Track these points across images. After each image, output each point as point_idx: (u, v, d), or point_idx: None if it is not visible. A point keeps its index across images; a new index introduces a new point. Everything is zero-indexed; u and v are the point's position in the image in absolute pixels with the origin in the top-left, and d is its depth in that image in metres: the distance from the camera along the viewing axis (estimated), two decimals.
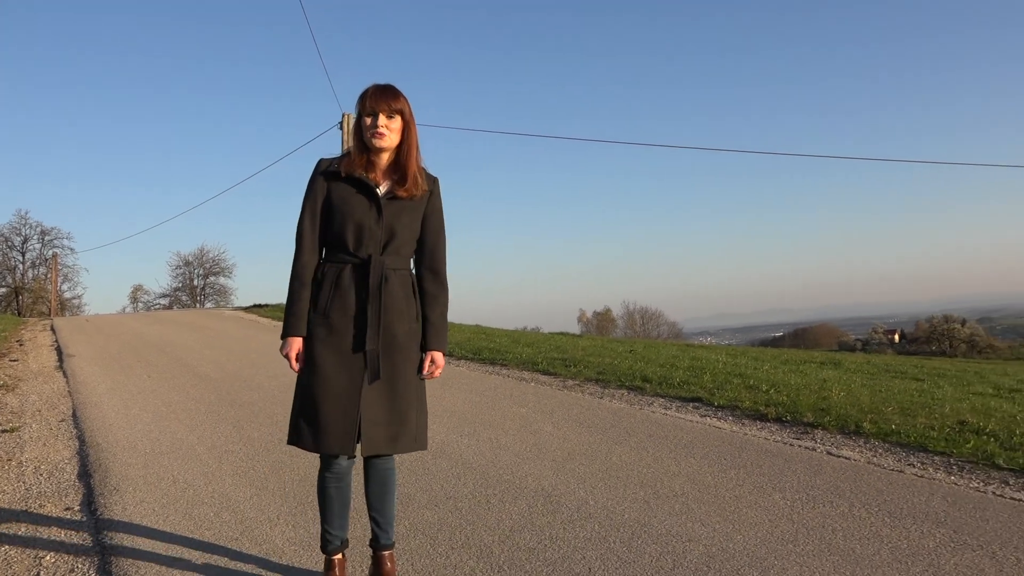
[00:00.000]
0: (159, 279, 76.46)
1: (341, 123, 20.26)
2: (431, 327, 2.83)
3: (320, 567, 3.07)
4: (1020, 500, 3.81)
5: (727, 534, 3.40)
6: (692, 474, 4.34)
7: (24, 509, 4.14)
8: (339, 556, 2.89)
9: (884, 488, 4.01)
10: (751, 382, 7.35)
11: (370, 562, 2.94)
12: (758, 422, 5.69)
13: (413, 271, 2.86)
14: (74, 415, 6.61)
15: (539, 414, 6.09)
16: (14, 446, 5.60)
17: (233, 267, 55.62)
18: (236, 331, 14.88)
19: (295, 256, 2.79)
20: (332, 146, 21.42)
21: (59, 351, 11.76)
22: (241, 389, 7.65)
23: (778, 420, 5.68)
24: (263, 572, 3.15)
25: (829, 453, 4.75)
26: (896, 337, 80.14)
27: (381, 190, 2.75)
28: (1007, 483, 4.12)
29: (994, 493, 3.93)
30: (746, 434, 5.29)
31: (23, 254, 49.31)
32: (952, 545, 3.23)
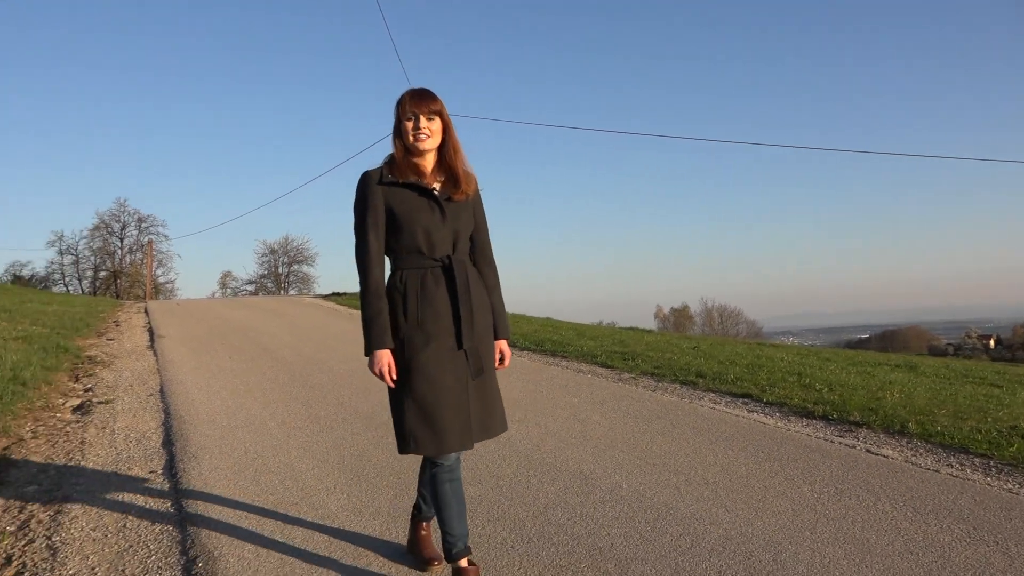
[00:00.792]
0: (246, 266, 79.51)
1: None
2: (497, 316, 2.95)
3: (377, 532, 3.39)
4: None
5: (748, 520, 3.58)
6: (727, 464, 4.52)
7: (115, 471, 4.63)
8: (465, 562, 2.88)
9: (915, 485, 4.11)
10: (807, 380, 7.40)
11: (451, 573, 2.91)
12: (804, 419, 5.78)
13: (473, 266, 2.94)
14: (161, 390, 7.18)
15: (590, 404, 6.33)
16: (108, 416, 6.16)
17: (316, 256, 57.45)
18: (314, 318, 15.53)
19: (365, 272, 2.78)
20: None
21: (151, 332, 12.56)
22: (313, 372, 8.13)
23: (824, 418, 5.76)
24: (316, 534, 3.50)
25: (868, 451, 4.84)
26: (992, 342, 76.59)
27: (437, 192, 2.81)
28: None
29: None
30: (789, 430, 5.41)
31: (121, 240, 52.08)
32: (968, 540, 3.34)
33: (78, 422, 5.99)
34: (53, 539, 3.56)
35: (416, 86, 2.83)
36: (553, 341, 10.77)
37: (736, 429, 5.42)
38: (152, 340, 11.45)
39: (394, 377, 2.74)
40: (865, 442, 5.08)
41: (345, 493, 4.05)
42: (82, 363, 9.13)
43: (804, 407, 6.07)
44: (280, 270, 56.66)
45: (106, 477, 4.51)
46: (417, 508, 3.18)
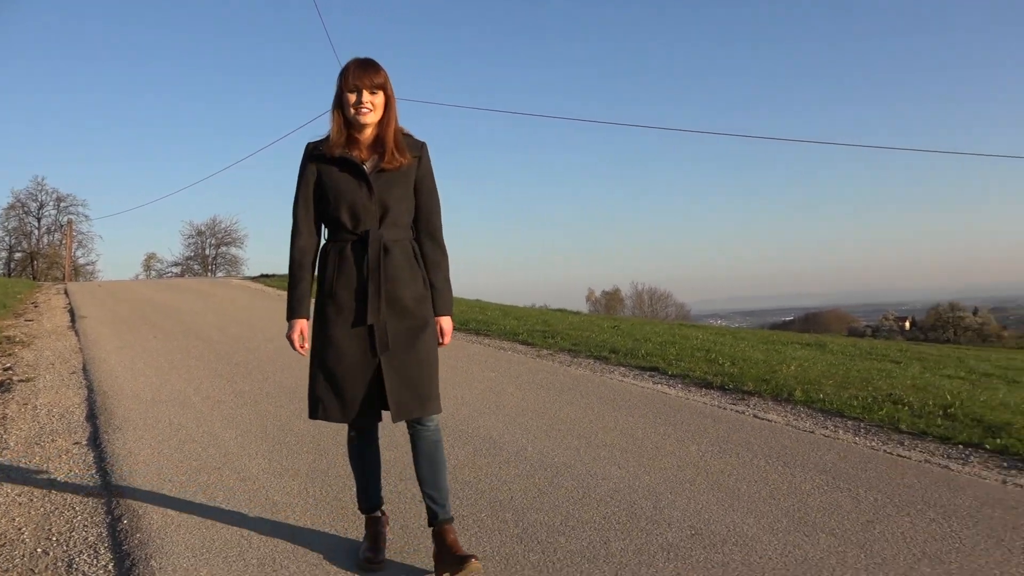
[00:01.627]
0: (172, 248, 77.57)
1: None
2: (436, 292, 2.90)
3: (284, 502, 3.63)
4: (903, 456, 4.34)
5: (636, 475, 3.96)
6: (625, 429, 4.90)
7: (38, 443, 4.75)
8: (378, 513, 3.05)
9: (789, 444, 4.56)
10: (712, 356, 7.87)
11: (432, 541, 2.88)
12: (703, 389, 6.23)
13: (414, 241, 2.91)
14: (84, 368, 7.23)
15: (506, 378, 6.66)
16: (30, 393, 6.22)
17: (245, 238, 56.50)
18: (241, 299, 15.50)
19: (292, 241, 2.86)
20: None
21: (72, 313, 12.41)
22: (238, 350, 8.26)
23: (721, 388, 6.22)
24: (238, 493, 3.74)
25: (755, 416, 5.29)
26: (907, 324, 79.91)
27: (368, 165, 2.79)
28: (902, 444, 4.65)
29: (884, 451, 4.46)
30: (687, 399, 5.84)
31: (39, 220, 50.29)
32: (825, 488, 3.77)
33: None
34: None
35: (362, 57, 2.79)
36: (478, 320, 11.08)
37: (639, 398, 5.83)
38: (73, 321, 11.34)
39: (305, 346, 2.85)
40: (754, 408, 5.54)
41: (266, 458, 4.28)
42: (0, 343, 9.04)
43: (704, 379, 6.52)
44: (208, 252, 55.55)
45: (29, 448, 4.64)
46: (433, 514, 2.89)
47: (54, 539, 3.27)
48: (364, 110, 2.73)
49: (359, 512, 3.10)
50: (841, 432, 4.91)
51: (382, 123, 2.80)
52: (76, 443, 4.73)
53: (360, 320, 2.76)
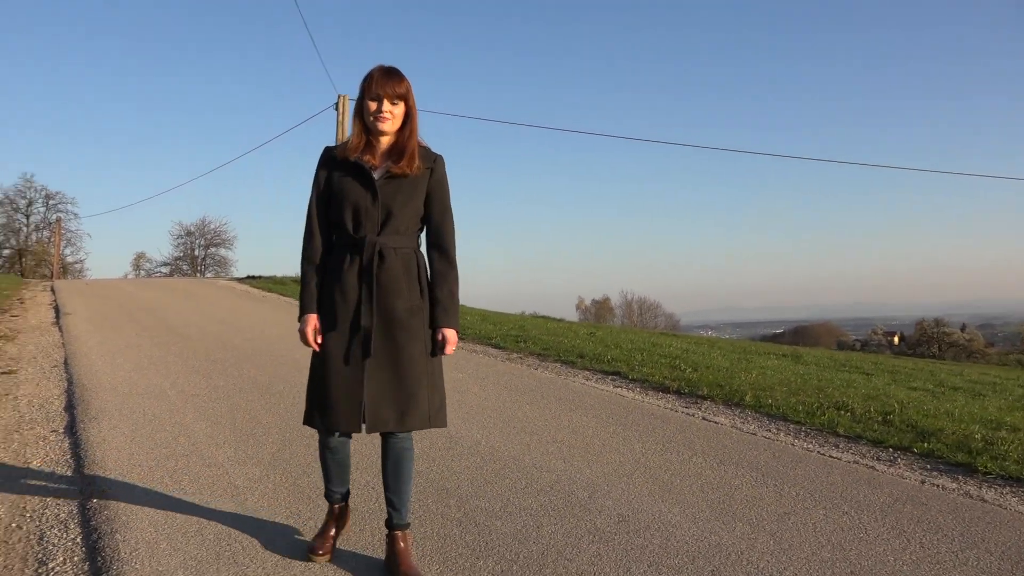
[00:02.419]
0: (161, 248, 77.53)
1: (337, 104, 20.95)
2: (439, 305, 2.85)
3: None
4: (834, 457, 4.62)
5: (579, 468, 4.22)
6: (577, 427, 5.16)
7: (17, 431, 4.98)
8: (340, 504, 3.10)
9: (730, 444, 4.83)
10: (677, 363, 8.15)
11: (385, 542, 2.97)
12: (660, 393, 6.51)
13: (423, 251, 2.93)
14: (65, 362, 7.45)
15: (472, 379, 6.92)
16: (11, 384, 6.44)
17: (234, 239, 56.54)
18: (226, 300, 15.70)
19: (305, 239, 2.90)
20: (328, 126, 22.10)
21: (57, 309, 12.60)
22: (217, 348, 8.49)
23: (677, 392, 6.50)
24: (202, 478, 3.98)
25: (704, 418, 5.57)
26: (896, 339, 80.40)
27: (377, 172, 2.81)
28: (836, 446, 4.93)
29: (818, 452, 4.74)
30: (643, 401, 6.12)
31: (27, 217, 50.28)
32: (753, 483, 4.05)
33: None
34: None
35: (387, 65, 2.83)
36: None
37: (597, 400, 6.09)
38: (58, 317, 11.53)
39: (319, 340, 2.82)
40: (705, 411, 5.81)
41: (232, 447, 4.53)
42: None
43: (663, 383, 6.80)
44: (196, 252, 55.60)
45: (9, 435, 4.86)
46: (389, 518, 2.97)
47: (27, 515, 3.51)
48: (384, 118, 2.76)
49: (324, 499, 3.12)
50: (782, 435, 5.18)
51: (402, 132, 2.83)
52: (54, 431, 4.96)
53: (349, 326, 2.77)
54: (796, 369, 9.75)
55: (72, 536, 3.25)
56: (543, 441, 4.79)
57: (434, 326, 2.86)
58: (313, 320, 2.82)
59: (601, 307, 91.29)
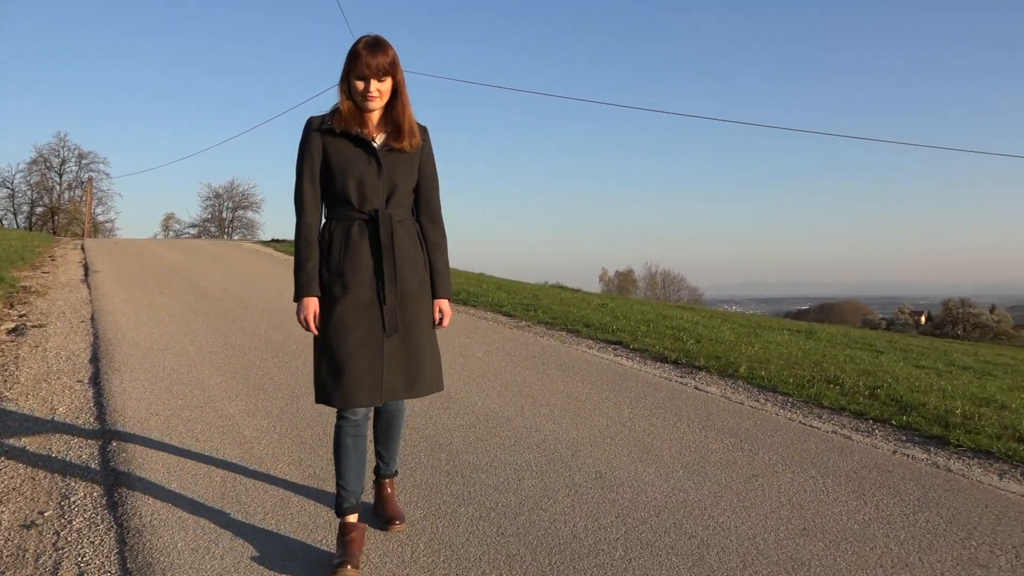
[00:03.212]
0: (190, 210, 78.45)
1: None
2: (437, 275, 2.90)
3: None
4: (814, 427, 4.82)
5: (566, 429, 4.48)
6: (572, 392, 5.41)
7: (45, 380, 5.32)
8: (354, 518, 2.83)
9: (715, 412, 5.05)
10: (680, 335, 8.35)
11: (373, 488, 3.17)
12: (658, 362, 6.72)
13: (416, 221, 2.91)
14: (92, 318, 7.81)
15: (478, 344, 7.18)
16: (41, 337, 6.80)
17: (262, 202, 57.07)
18: (249, 261, 16.08)
19: (298, 218, 2.79)
20: None
21: (86, 267, 13.03)
22: (237, 308, 8.82)
23: (675, 362, 6.71)
24: (213, 427, 4.28)
25: (696, 388, 5.78)
26: (923, 319, 79.59)
27: (377, 143, 2.76)
28: (820, 417, 5.12)
29: (799, 422, 4.94)
30: (640, 370, 6.34)
31: (60, 176, 51.16)
32: (729, 448, 4.27)
33: (12, 342, 6.62)
34: None
35: (371, 35, 2.73)
36: (468, 292, 11.59)
37: (595, 367, 6.33)
38: (87, 274, 11.95)
39: (318, 325, 2.76)
40: (698, 381, 6.03)
41: (243, 400, 4.83)
42: (17, 292, 9.65)
43: (662, 353, 7.01)
44: (224, 215, 56.28)
45: (38, 384, 5.20)
46: (377, 468, 3.14)
47: (53, 455, 3.83)
48: (372, 96, 2.70)
49: (336, 516, 2.89)
50: (769, 405, 5.39)
51: (393, 105, 2.77)
52: (79, 381, 5.29)
53: (369, 301, 2.73)
54: (803, 344, 9.88)
55: (92, 475, 3.57)
56: (536, 404, 5.04)
57: (434, 296, 2.91)
58: (314, 304, 2.74)
59: (624, 279, 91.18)
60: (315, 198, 2.79)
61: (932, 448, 4.53)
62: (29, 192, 50.90)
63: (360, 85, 2.70)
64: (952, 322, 64.11)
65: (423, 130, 2.89)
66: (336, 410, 2.82)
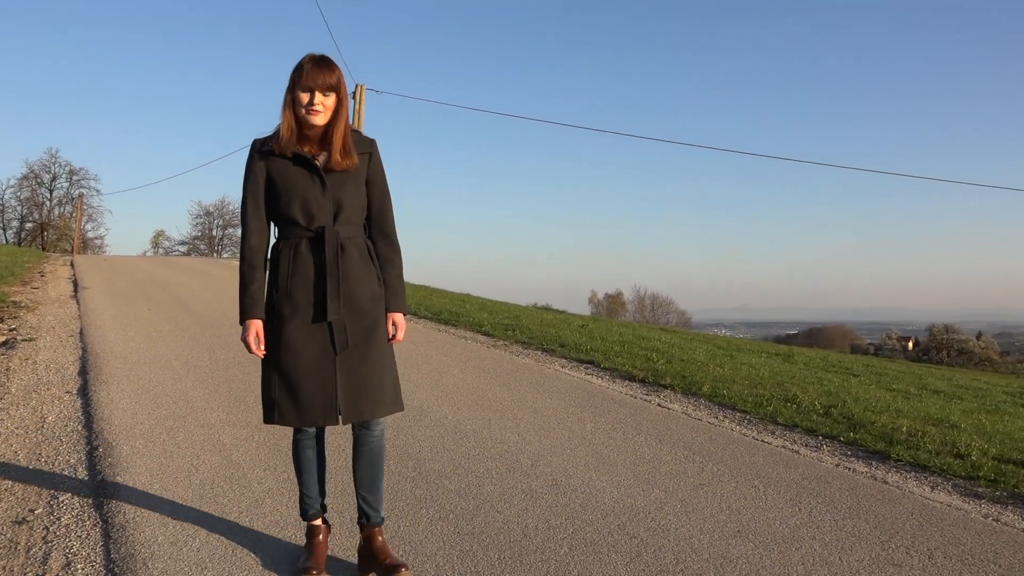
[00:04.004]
0: (180, 227, 78.71)
1: (354, 93, 21.52)
2: (390, 290, 2.87)
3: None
4: (765, 442, 5.10)
5: (529, 441, 4.75)
6: (539, 407, 5.68)
7: (35, 391, 5.56)
8: (319, 522, 2.92)
9: (673, 427, 5.33)
10: (652, 355, 8.64)
11: (359, 539, 2.94)
12: (626, 381, 7.01)
13: (368, 238, 2.89)
14: (81, 332, 8.05)
15: (454, 362, 7.45)
16: (31, 351, 7.04)
17: None
18: (236, 279, 16.30)
19: (242, 241, 2.80)
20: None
21: (75, 283, 13.25)
22: (222, 323, 9.07)
23: (642, 380, 6.99)
24: (195, 435, 4.54)
25: (659, 405, 6.06)
26: (911, 344, 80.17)
27: (319, 161, 2.75)
28: (772, 433, 5.41)
29: (752, 437, 5.22)
30: (607, 387, 6.62)
31: (51, 192, 51.38)
32: (681, 460, 4.55)
33: (3, 355, 6.85)
34: None
35: (318, 53, 2.77)
36: (450, 312, 11.87)
37: (565, 385, 6.61)
38: (76, 290, 12.17)
39: (262, 347, 2.76)
40: (662, 398, 6.31)
41: (224, 411, 5.08)
42: (7, 307, 9.87)
43: (631, 372, 7.30)
44: (215, 232, 56.55)
45: (28, 394, 5.44)
46: (365, 516, 2.92)
47: (43, 460, 4.08)
48: (315, 110, 2.69)
49: (301, 520, 3.01)
50: (727, 422, 5.67)
51: (332, 123, 2.75)
52: (67, 392, 5.53)
53: (318, 318, 2.72)
54: (778, 367, 10.19)
55: (81, 476, 3.81)
56: (504, 418, 5.31)
57: (387, 311, 2.87)
58: (256, 326, 2.75)
59: (613, 301, 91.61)
60: (259, 220, 2.79)
61: (874, 462, 4.82)
62: (19, 208, 51.11)
63: (305, 97, 2.69)
64: (936, 348, 64.77)
65: (371, 143, 2.89)
66: (292, 429, 2.88)
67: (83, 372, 6.16)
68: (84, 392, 5.52)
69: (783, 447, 5.02)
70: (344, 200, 2.77)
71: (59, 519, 3.30)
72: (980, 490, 4.38)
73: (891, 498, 4.09)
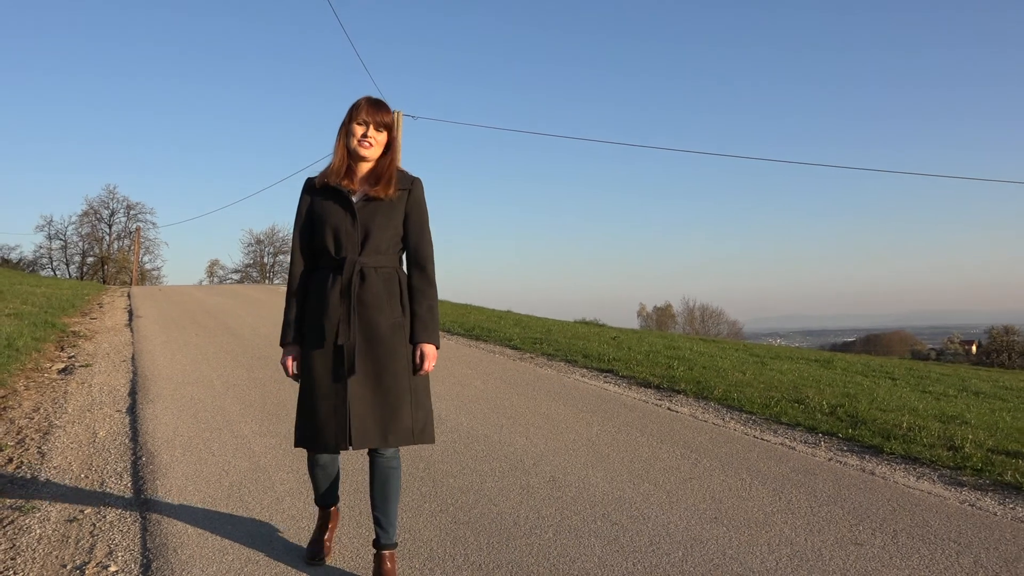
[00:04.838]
0: (232, 256, 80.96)
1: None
2: (419, 321, 2.95)
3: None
4: (764, 439, 5.35)
5: (535, 443, 5.08)
6: (551, 413, 6.01)
7: (89, 410, 6.08)
8: (332, 508, 3.25)
9: (677, 428, 5.61)
10: (673, 363, 8.88)
11: (373, 562, 3.03)
12: (641, 387, 7.29)
13: (404, 269, 3.04)
14: (133, 358, 8.63)
15: (477, 374, 7.81)
16: (87, 375, 7.61)
17: None
18: (281, 304, 16.93)
19: (289, 269, 3.05)
20: None
21: (130, 313, 13.98)
22: (264, 346, 9.59)
23: (657, 387, 7.27)
24: (228, 445, 4.97)
25: (669, 409, 6.34)
26: (974, 348, 78.03)
27: (356, 195, 2.93)
28: (774, 432, 5.65)
29: (753, 435, 5.47)
30: (621, 394, 6.92)
31: (110, 226, 53.38)
32: (678, 457, 4.83)
33: (62, 379, 7.43)
34: (42, 447, 5.01)
35: (374, 96, 2.99)
36: (483, 328, 12.25)
37: (581, 393, 6.92)
38: (131, 319, 12.88)
39: (296, 372, 2.98)
40: (673, 403, 6.58)
41: (257, 423, 5.52)
42: (67, 336, 10.55)
43: (647, 380, 7.57)
44: (266, 260, 58.01)
45: (83, 413, 5.96)
46: (377, 538, 3.03)
47: (93, 469, 4.54)
48: (367, 143, 2.90)
49: (315, 504, 3.31)
50: (732, 423, 5.92)
51: (383, 159, 2.97)
52: (118, 410, 6.04)
53: (334, 345, 2.86)
54: (809, 372, 10.29)
55: (125, 483, 4.27)
56: (516, 423, 5.65)
57: (413, 342, 2.95)
58: (293, 350, 2.99)
59: (663, 314, 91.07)
60: (301, 252, 3.02)
61: (867, 456, 5.04)
62: (80, 243, 53.21)
63: (359, 130, 2.90)
64: (997, 350, 62.98)
65: (412, 180, 3.02)
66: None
67: (132, 393, 6.68)
68: (132, 410, 6.02)
69: (781, 444, 5.26)
70: (373, 230, 2.90)
71: (104, 516, 3.74)
72: (964, 479, 4.58)
73: (872, 487, 4.32)
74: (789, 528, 3.65)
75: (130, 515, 3.76)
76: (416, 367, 2.95)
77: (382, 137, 2.94)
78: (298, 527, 3.59)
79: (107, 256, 52.36)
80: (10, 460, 4.78)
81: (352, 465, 4.46)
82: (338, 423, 2.82)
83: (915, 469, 4.76)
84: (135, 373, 7.61)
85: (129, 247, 52.05)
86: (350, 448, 2.83)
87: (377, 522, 2.99)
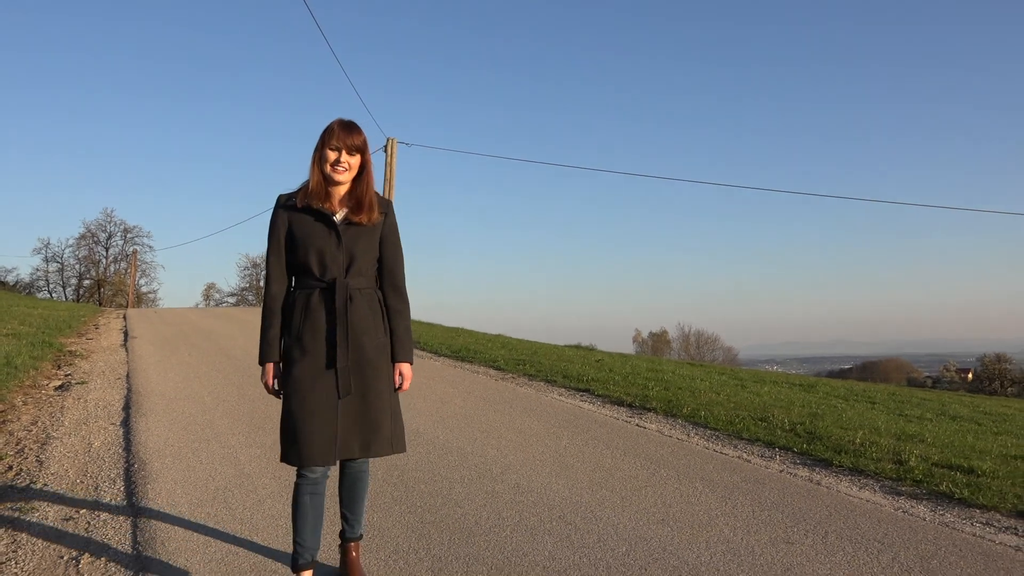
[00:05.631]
0: (229, 279, 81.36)
1: (385, 147, 22.68)
2: (397, 340, 3.05)
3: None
4: (722, 453, 5.67)
5: (505, 454, 5.39)
6: (525, 428, 6.33)
7: (84, 423, 6.38)
8: (308, 574, 3.02)
9: (641, 443, 5.93)
10: (649, 384, 9.21)
11: (339, 552, 3.25)
12: (614, 405, 7.61)
13: (378, 290, 3.09)
14: (127, 375, 8.94)
15: (459, 393, 8.13)
16: (83, 392, 7.91)
17: None
18: None
19: (264, 289, 3.03)
20: (377, 166, 23.83)
21: (125, 334, 14.29)
22: (254, 365, 9.90)
23: (629, 405, 7.59)
24: (216, 455, 5.28)
25: (637, 425, 6.66)
26: (970, 376, 78.27)
27: (338, 217, 2.96)
28: (734, 446, 5.96)
29: (713, 449, 5.79)
30: (594, 411, 7.24)
31: (107, 249, 53.75)
32: (637, 467, 5.15)
33: (59, 395, 7.73)
34: (40, 456, 5.32)
35: (345, 119, 2.99)
36: (470, 350, 12.57)
37: (556, 410, 7.24)
38: (126, 340, 13.18)
39: (277, 389, 3.00)
40: (642, 420, 6.90)
41: (245, 436, 5.84)
42: (64, 356, 10.85)
43: (621, 398, 7.90)
44: (261, 283, 58.27)
45: (79, 426, 6.27)
46: (343, 531, 3.24)
47: (89, 475, 4.85)
48: (340, 169, 2.92)
49: (292, 573, 3.07)
50: (696, 439, 6.24)
51: (358, 182, 2.99)
52: (112, 424, 6.35)
53: (326, 364, 2.90)
54: (787, 395, 10.60)
55: (118, 488, 4.58)
56: (490, 437, 5.97)
57: (393, 361, 3.06)
58: (271, 369, 3.00)
59: (658, 340, 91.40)
60: (279, 270, 3.01)
61: (818, 468, 5.36)
62: (77, 266, 53.54)
63: (332, 156, 2.92)
64: (989, 378, 63.33)
65: (386, 203, 3.09)
66: (295, 469, 2.99)
67: (126, 407, 6.98)
68: (126, 423, 6.33)
69: (737, 457, 5.59)
70: (357, 254, 2.96)
71: (99, 516, 4.06)
72: (903, 489, 4.91)
73: (814, 495, 4.65)
74: (729, 529, 3.97)
75: (122, 514, 4.07)
76: (396, 385, 3.08)
77: (355, 161, 2.97)
78: (277, 525, 3.90)
79: (103, 279, 52.67)
80: (10, 467, 5.08)
81: None
82: (326, 439, 2.88)
83: (859, 480, 5.08)
84: (129, 390, 7.92)
85: (126, 270, 52.39)
86: (335, 463, 2.95)
87: (344, 518, 3.19)
